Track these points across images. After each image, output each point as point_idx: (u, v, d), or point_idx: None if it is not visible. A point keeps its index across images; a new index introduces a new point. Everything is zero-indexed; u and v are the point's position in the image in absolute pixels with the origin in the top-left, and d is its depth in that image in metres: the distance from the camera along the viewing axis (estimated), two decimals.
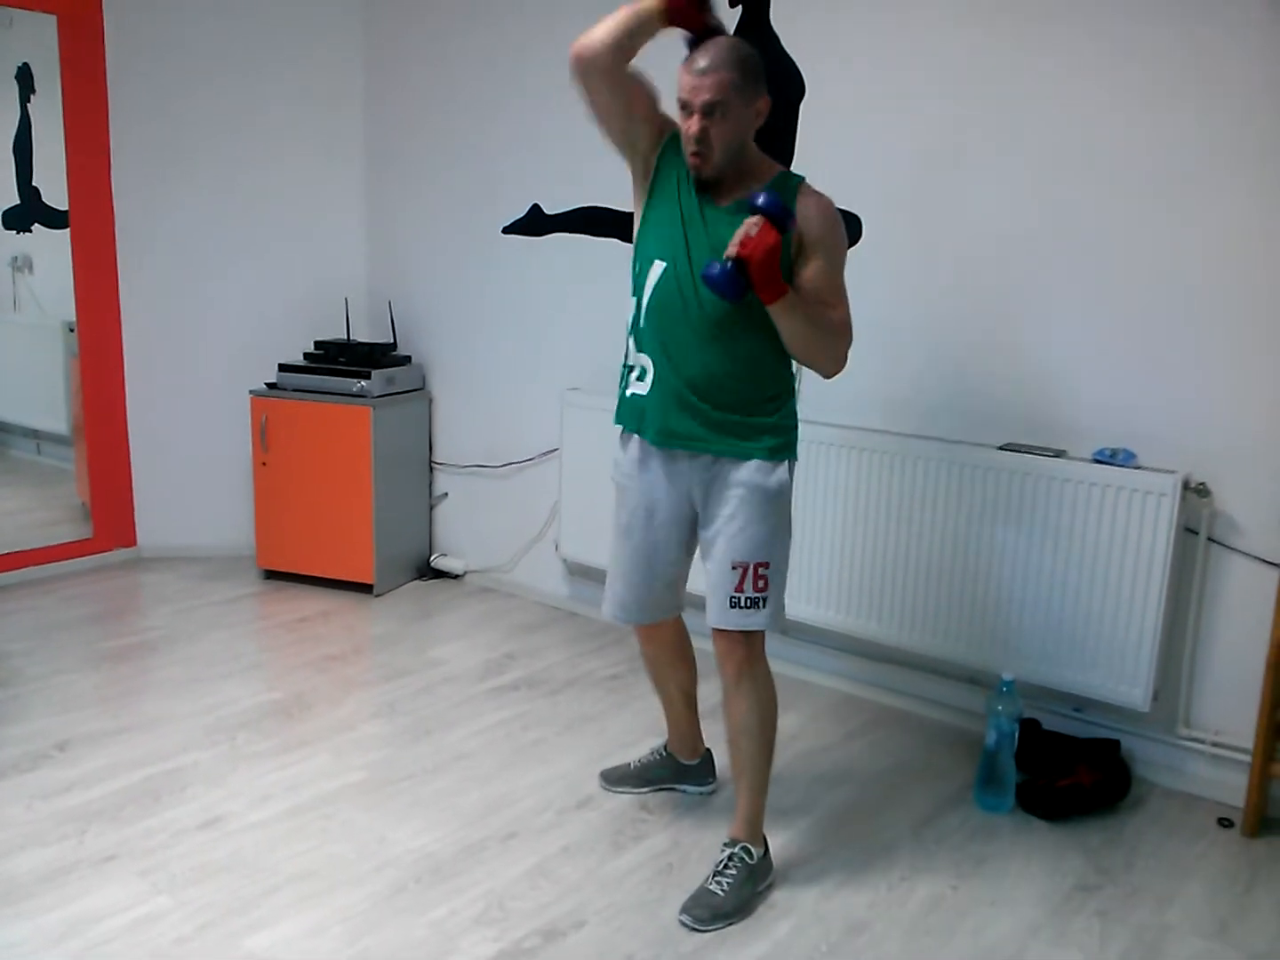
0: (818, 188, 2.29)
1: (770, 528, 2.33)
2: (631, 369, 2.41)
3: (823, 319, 2.23)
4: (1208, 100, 2.71)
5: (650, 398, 2.36)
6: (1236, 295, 2.74)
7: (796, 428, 2.40)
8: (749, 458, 2.31)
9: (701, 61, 2.16)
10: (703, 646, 2.75)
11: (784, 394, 2.36)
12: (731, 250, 2.09)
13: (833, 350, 2.28)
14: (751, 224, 2.08)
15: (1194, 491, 2.83)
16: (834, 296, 2.26)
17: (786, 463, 2.35)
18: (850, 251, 3.21)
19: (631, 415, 2.43)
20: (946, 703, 3.32)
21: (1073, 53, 2.88)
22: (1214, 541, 2.85)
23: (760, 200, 2.09)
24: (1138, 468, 2.87)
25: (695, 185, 2.29)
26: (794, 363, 2.35)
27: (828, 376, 2.33)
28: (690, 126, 2.19)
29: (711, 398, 2.30)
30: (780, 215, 2.09)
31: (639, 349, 2.38)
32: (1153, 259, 2.84)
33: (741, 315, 2.23)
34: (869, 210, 3.27)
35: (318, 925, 2.27)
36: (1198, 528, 2.84)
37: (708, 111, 2.16)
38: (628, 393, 2.43)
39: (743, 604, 2.32)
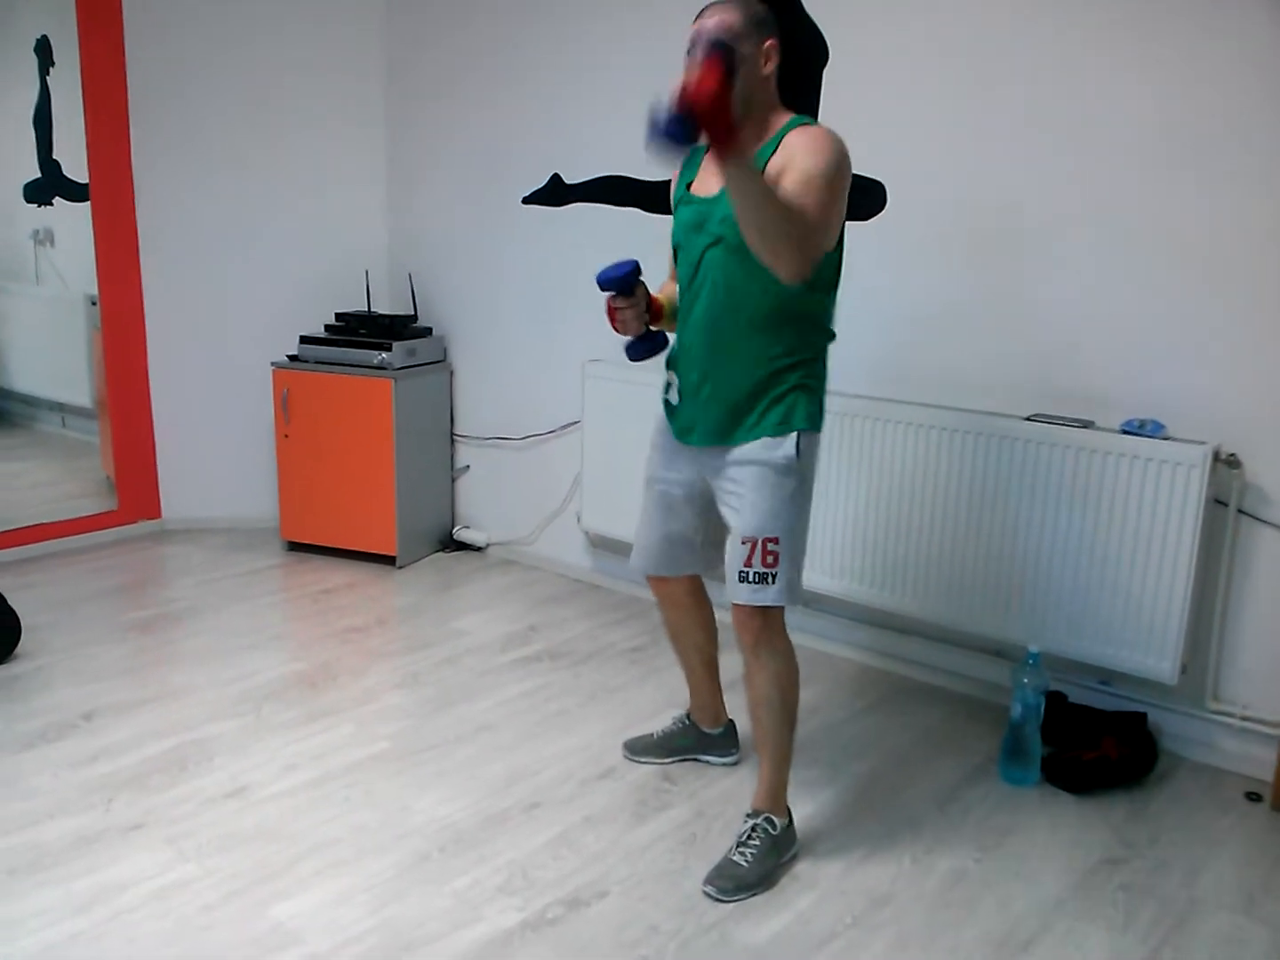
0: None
1: (779, 502, 2.30)
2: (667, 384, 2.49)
3: (781, 200, 2.05)
4: (1236, 67, 2.66)
5: (681, 404, 2.43)
6: (1267, 264, 2.69)
7: (812, 400, 2.34)
8: (757, 436, 2.30)
9: (704, 11, 2.22)
10: (723, 615, 2.75)
11: (797, 366, 2.30)
12: (671, 99, 1.93)
13: (787, 241, 2.06)
14: (693, 64, 2.04)
15: (1224, 463, 2.79)
16: (805, 197, 2.10)
17: (796, 435, 2.29)
18: (875, 220, 3.24)
19: (666, 405, 2.51)
20: (971, 675, 3.30)
21: (1099, 21, 2.83)
22: (1244, 513, 2.82)
23: (701, 40, 2.09)
24: (1167, 439, 2.83)
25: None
26: (821, 337, 2.33)
27: (785, 278, 2.10)
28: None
29: (725, 387, 2.32)
30: (714, 48, 1.97)
31: (669, 367, 2.48)
32: (1182, 228, 2.80)
33: (747, 287, 2.22)
34: (894, 178, 3.23)
35: (342, 894, 2.28)
36: (1227, 499, 2.81)
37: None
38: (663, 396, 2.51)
39: (751, 579, 2.31)
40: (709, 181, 2.31)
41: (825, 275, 2.28)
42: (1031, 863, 2.47)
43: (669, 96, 1.90)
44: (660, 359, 2.50)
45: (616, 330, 2.44)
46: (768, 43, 2.20)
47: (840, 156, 2.17)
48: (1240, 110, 2.68)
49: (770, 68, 2.23)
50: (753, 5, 2.21)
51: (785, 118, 2.26)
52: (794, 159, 2.15)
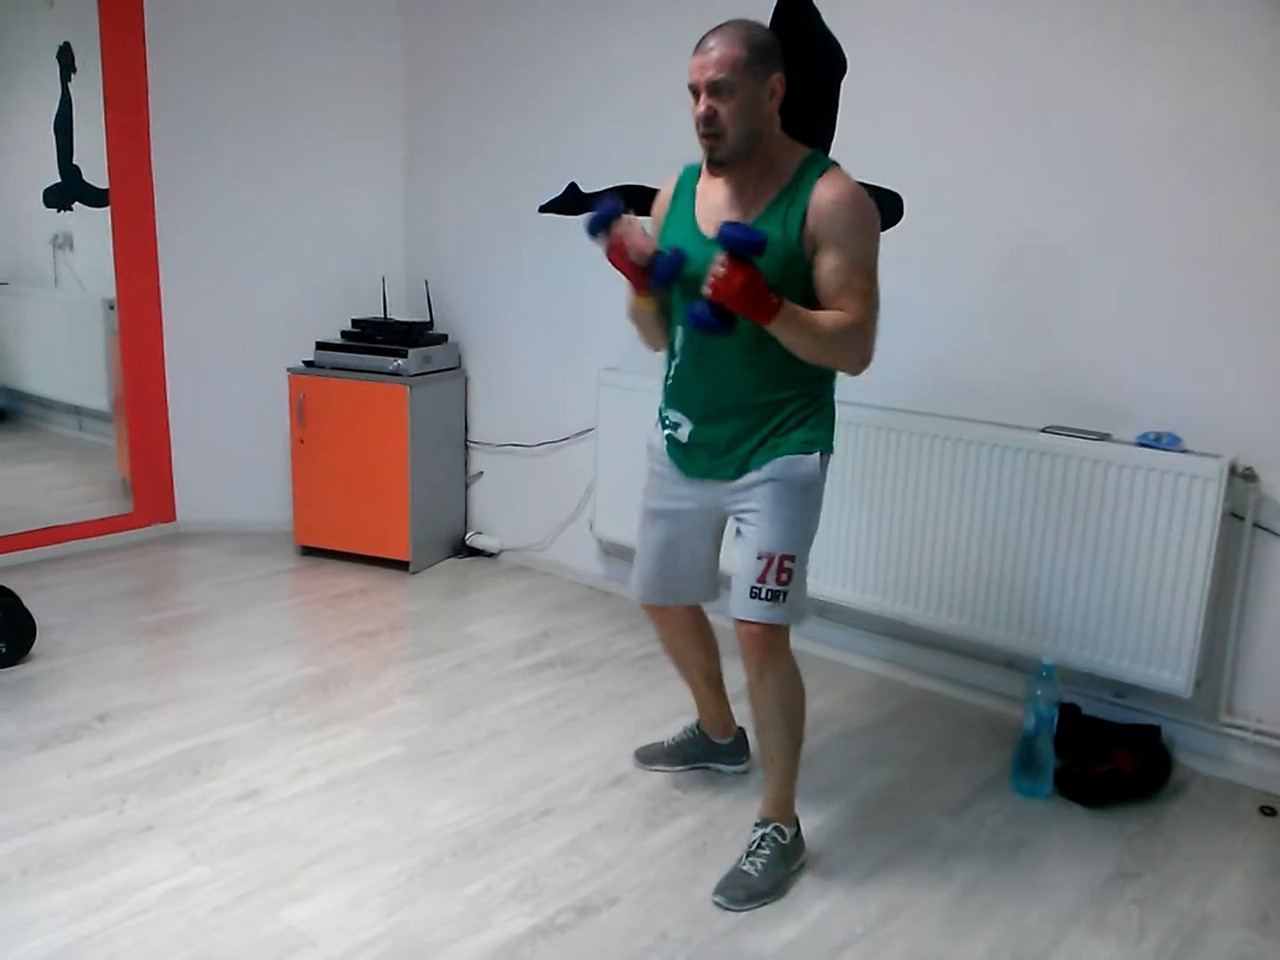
0: (859, 165, 2.25)
1: (798, 520, 2.30)
2: (666, 419, 2.44)
3: (827, 328, 2.13)
4: (1253, 78, 2.65)
5: (689, 446, 2.40)
6: None
7: (830, 421, 2.35)
8: (779, 454, 2.29)
9: (708, 42, 2.13)
10: (725, 625, 2.74)
11: (815, 389, 2.31)
12: (706, 292, 2.05)
13: (845, 354, 2.19)
14: (718, 263, 2.03)
15: (1240, 476, 2.78)
16: (847, 294, 2.15)
17: (817, 455, 2.29)
18: (892, 230, 3.24)
19: (673, 441, 2.44)
20: (984, 687, 3.29)
21: (1118, 31, 2.83)
22: (1260, 527, 2.81)
23: (723, 234, 2.03)
24: (1183, 452, 2.82)
25: (710, 180, 2.28)
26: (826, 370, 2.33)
27: (851, 374, 2.25)
28: (698, 108, 2.14)
29: (738, 416, 2.30)
30: (742, 247, 2.00)
31: (669, 406, 2.42)
32: (1199, 242, 2.79)
33: (750, 343, 2.20)
34: (911, 189, 3.23)
35: (354, 898, 2.29)
36: (1243, 513, 2.80)
37: (713, 90, 2.11)
38: (665, 432, 2.46)
39: (764, 595, 2.29)
40: (713, 214, 2.26)
41: None
42: (1044, 875, 2.46)
43: (706, 293, 2.05)
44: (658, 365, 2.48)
45: (630, 266, 2.25)
46: (773, 76, 2.15)
47: (876, 225, 2.21)
48: (1257, 123, 2.67)
49: (775, 103, 2.18)
50: (757, 35, 2.14)
51: (796, 153, 2.23)
52: (834, 231, 2.14)
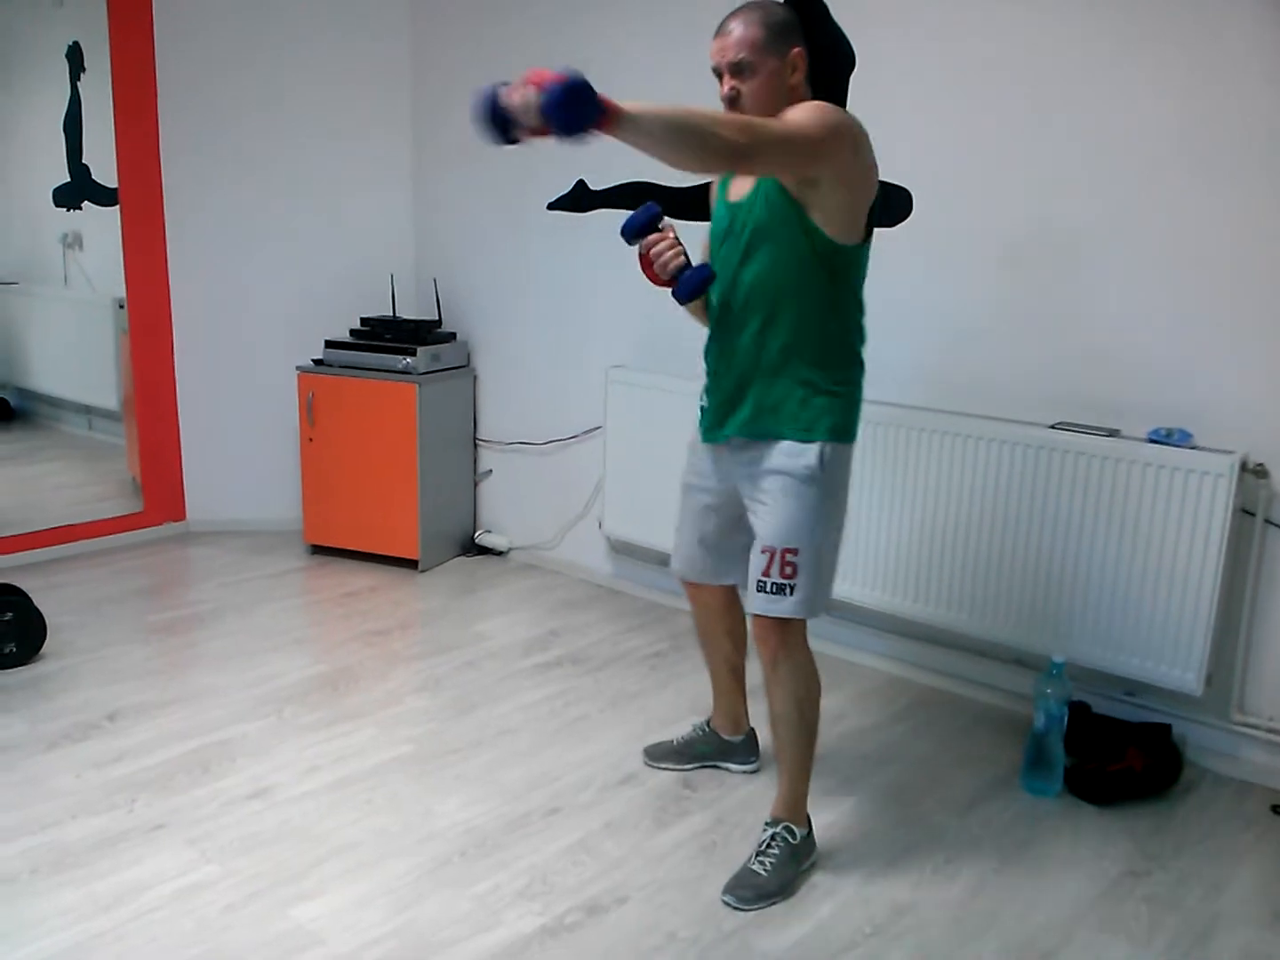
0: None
1: (801, 512, 2.28)
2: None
3: (684, 113, 1.96)
4: (1259, 76, 2.64)
5: (708, 404, 2.43)
6: None
7: (846, 413, 2.32)
8: (780, 438, 2.29)
9: (728, 25, 2.19)
10: None
11: (828, 375, 2.29)
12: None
13: (696, 139, 1.98)
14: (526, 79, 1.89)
15: (1251, 472, 2.77)
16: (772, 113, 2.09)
17: (820, 445, 2.27)
18: (900, 227, 3.23)
19: (702, 410, 2.49)
20: (994, 685, 3.28)
21: (1123, 30, 2.81)
22: (1271, 524, 2.79)
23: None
24: (1193, 448, 2.81)
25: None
26: (851, 354, 2.34)
27: (694, 164, 2.07)
28: (722, 89, 2.20)
29: (753, 385, 2.31)
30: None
31: (706, 372, 2.46)
32: (1208, 237, 2.78)
33: (772, 288, 2.23)
34: (918, 186, 3.22)
35: (363, 896, 2.29)
36: (1254, 509, 2.79)
37: (736, 71, 2.17)
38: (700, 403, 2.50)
39: (768, 589, 2.29)
40: (740, 186, 2.31)
41: (851, 274, 2.28)
42: (1053, 874, 2.45)
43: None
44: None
45: (657, 277, 2.33)
46: (793, 51, 2.19)
47: (837, 118, 2.11)
48: (1265, 119, 2.66)
49: (798, 76, 2.22)
50: (775, 13, 2.19)
51: None
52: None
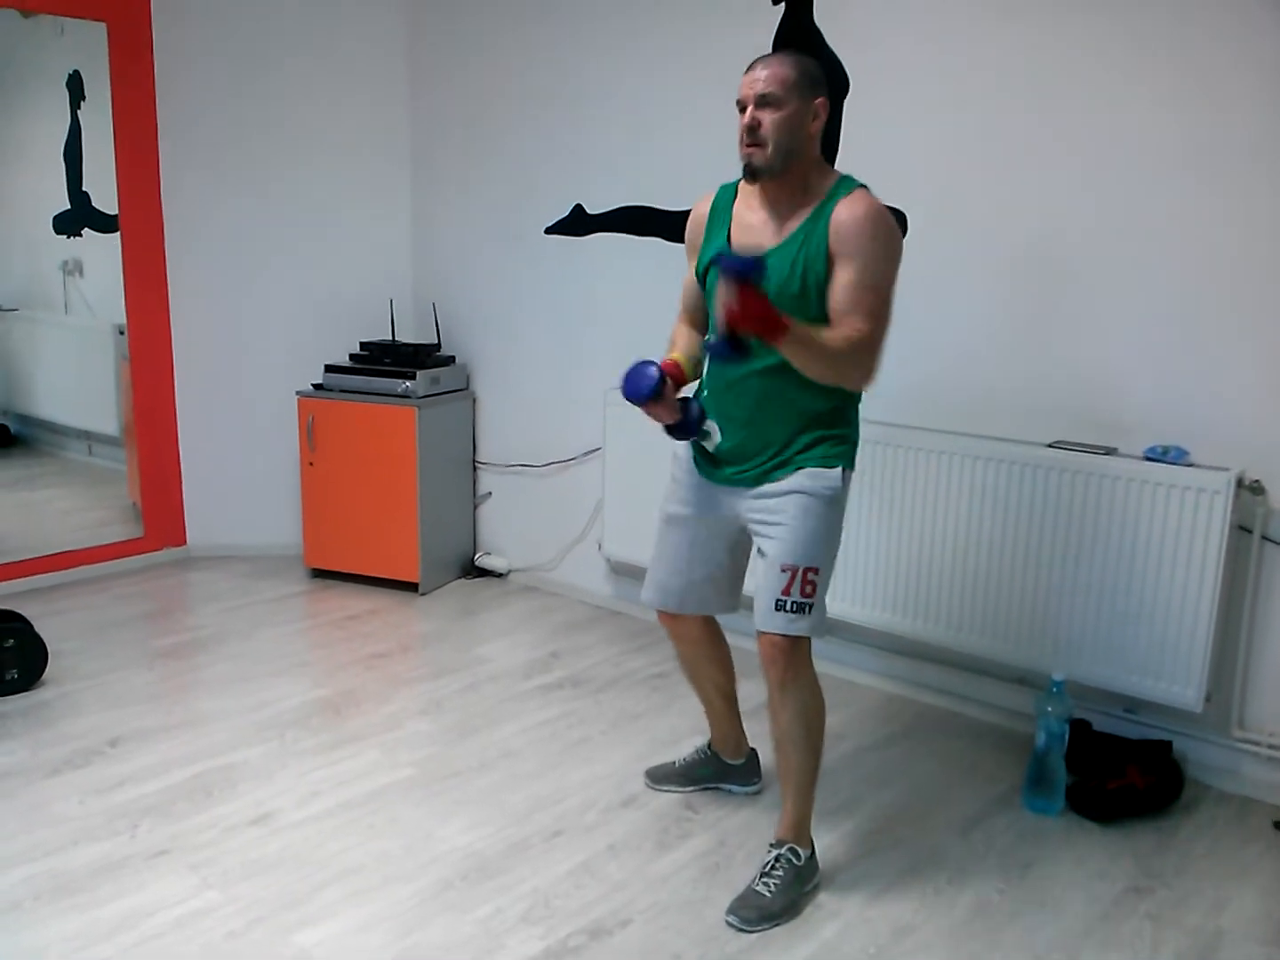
0: (871, 188, 2.27)
1: (822, 532, 2.31)
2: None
3: (836, 346, 2.14)
4: (1261, 92, 2.66)
5: (715, 455, 2.43)
6: None
7: (854, 442, 2.39)
8: (802, 467, 2.31)
9: (758, 63, 2.23)
10: (740, 645, 2.75)
11: (840, 405, 2.34)
12: (718, 323, 2.09)
13: (849, 372, 2.22)
14: (723, 291, 2.06)
15: (1248, 489, 2.78)
16: (857, 311, 2.18)
17: (840, 469, 2.32)
18: None
19: (700, 450, 2.48)
20: (994, 703, 3.28)
21: (1119, 45, 2.84)
22: (1268, 540, 2.80)
23: (722, 264, 2.07)
24: (1190, 465, 2.82)
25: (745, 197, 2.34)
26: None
27: (855, 390, 2.32)
28: (744, 118, 2.22)
29: (764, 432, 2.33)
30: (741, 273, 2.02)
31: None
32: (1204, 254, 2.80)
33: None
34: (914, 205, 3.24)
35: (366, 921, 2.29)
36: (1252, 526, 2.79)
37: (760, 102, 2.19)
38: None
39: (789, 608, 2.30)
40: (750, 231, 2.31)
41: None
42: (1056, 892, 2.45)
43: (718, 323, 2.07)
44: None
45: (650, 418, 2.41)
46: (818, 101, 2.23)
47: (896, 244, 2.25)
48: (1265, 136, 2.68)
49: (818, 126, 2.25)
50: (808, 62, 2.23)
51: (829, 176, 2.28)
52: (850, 248, 2.18)
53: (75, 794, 2.77)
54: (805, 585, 2.29)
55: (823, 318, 2.22)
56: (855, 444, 2.40)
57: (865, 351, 2.19)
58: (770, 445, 2.34)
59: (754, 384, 2.31)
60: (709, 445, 2.42)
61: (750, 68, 2.23)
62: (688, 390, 2.46)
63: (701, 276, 2.41)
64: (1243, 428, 2.80)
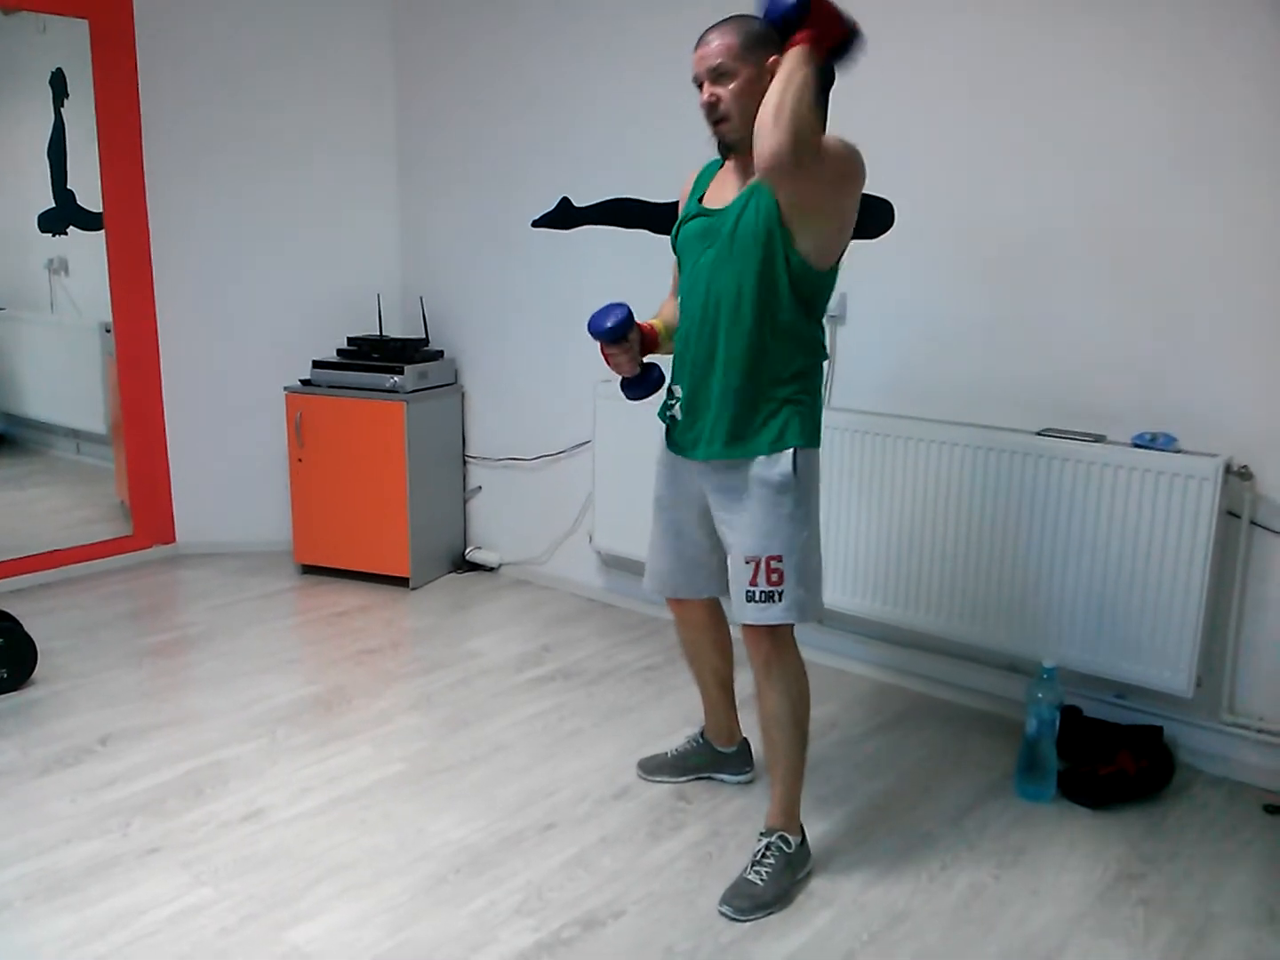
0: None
1: (779, 519, 2.30)
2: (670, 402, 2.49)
3: (806, 96, 2.06)
4: (1244, 85, 2.67)
5: (680, 420, 2.44)
6: (1277, 277, 2.70)
7: (807, 416, 2.33)
8: (752, 455, 2.31)
9: (706, 37, 2.25)
10: (737, 632, 2.75)
11: (790, 381, 2.31)
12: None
13: (795, 119, 2.05)
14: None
15: (1236, 475, 2.79)
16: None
17: (792, 452, 2.29)
18: (888, 238, 3.25)
19: (670, 421, 2.50)
20: (986, 691, 3.29)
21: (1101, 41, 2.84)
22: (1257, 525, 2.81)
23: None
24: (1178, 451, 2.83)
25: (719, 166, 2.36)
26: (814, 356, 2.35)
27: (771, 148, 2.07)
28: (702, 97, 2.25)
29: (722, 395, 2.32)
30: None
31: (673, 379, 2.47)
32: (1192, 243, 2.80)
33: (743, 299, 2.24)
34: (906, 197, 3.24)
35: (359, 917, 2.29)
36: (1240, 511, 2.80)
37: (714, 77, 2.22)
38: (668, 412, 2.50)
39: (757, 598, 2.31)
40: (720, 194, 2.34)
41: (819, 299, 2.32)
42: (1049, 878, 2.46)
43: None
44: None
45: (610, 368, 2.47)
46: (770, 59, 2.19)
47: (849, 158, 2.22)
48: (1249, 126, 2.68)
49: None
50: (751, 24, 2.22)
51: None
52: None
53: (66, 793, 2.77)
54: (770, 574, 2.30)
55: (790, 281, 2.23)
56: (813, 422, 2.35)
57: (811, 123, 2.09)
58: (729, 413, 2.31)
59: (710, 341, 2.32)
60: (675, 412, 2.45)
61: (698, 42, 2.25)
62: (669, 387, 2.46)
63: (673, 242, 2.47)
64: (1231, 414, 2.80)
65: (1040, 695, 2.77)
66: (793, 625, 2.36)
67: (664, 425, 2.52)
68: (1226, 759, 2.91)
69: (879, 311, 3.31)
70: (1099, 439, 2.96)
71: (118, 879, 2.40)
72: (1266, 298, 2.72)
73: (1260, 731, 2.84)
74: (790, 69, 2.08)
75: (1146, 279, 2.88)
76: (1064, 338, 3.03)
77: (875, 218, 3.26)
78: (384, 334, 4.55)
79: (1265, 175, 2.67)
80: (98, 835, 2.58)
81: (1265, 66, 2.64)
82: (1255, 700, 2.87)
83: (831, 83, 3.28)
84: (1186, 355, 2.85)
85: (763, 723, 2.43)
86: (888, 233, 3.26)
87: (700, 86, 2.25)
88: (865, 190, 2.30)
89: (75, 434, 4.89)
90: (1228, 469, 2.76)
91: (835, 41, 2.14)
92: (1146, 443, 2.87)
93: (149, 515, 4.61)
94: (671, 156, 3.67)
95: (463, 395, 4.55)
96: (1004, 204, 3.08)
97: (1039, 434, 3.03)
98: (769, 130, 2.05)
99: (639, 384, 2.47)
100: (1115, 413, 2.97)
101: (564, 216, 4.08)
